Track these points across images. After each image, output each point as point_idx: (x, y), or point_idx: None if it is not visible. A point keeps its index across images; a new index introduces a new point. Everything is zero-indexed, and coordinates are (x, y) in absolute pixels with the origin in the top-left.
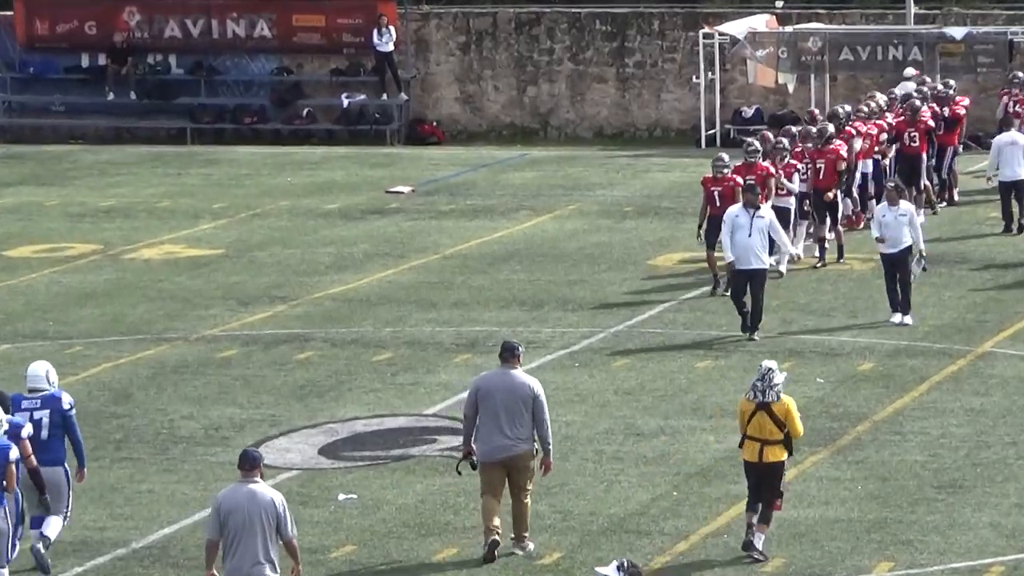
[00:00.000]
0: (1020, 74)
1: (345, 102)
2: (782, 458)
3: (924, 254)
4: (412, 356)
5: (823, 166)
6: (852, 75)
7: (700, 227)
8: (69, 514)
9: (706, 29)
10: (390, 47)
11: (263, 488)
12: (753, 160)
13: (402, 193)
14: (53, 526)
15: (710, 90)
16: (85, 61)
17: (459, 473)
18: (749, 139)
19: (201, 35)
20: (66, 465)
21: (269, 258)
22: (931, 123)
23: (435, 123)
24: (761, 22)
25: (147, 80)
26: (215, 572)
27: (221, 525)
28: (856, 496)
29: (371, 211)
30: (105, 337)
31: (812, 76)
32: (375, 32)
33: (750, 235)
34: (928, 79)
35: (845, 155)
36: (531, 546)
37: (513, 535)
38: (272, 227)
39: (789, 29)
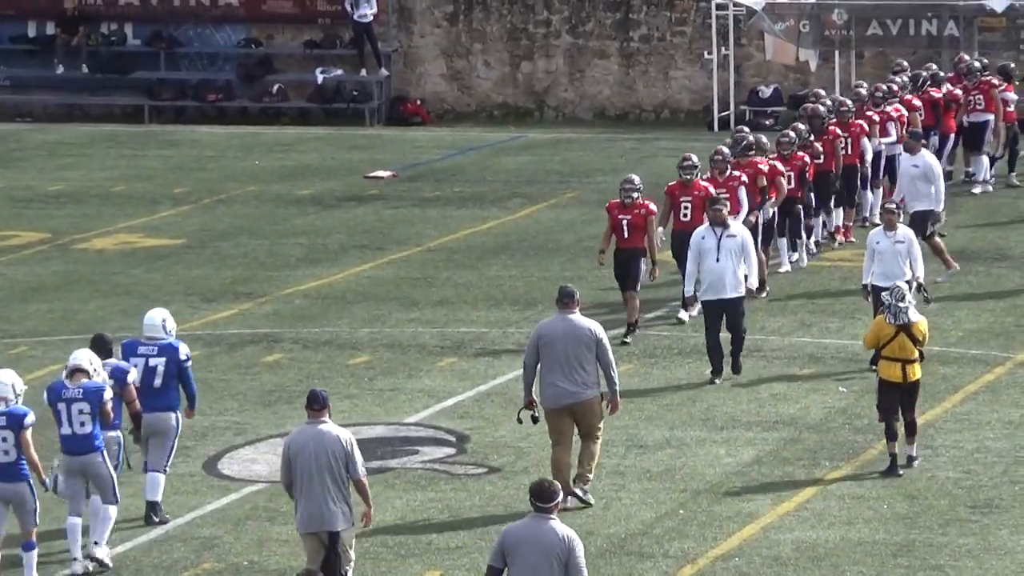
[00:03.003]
0: None
1: (320, 78)
2: (920, 375)
3: (925, 286)
4: (392, 359)
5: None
6: (881, 52)
7: (601, 252)
8: (168, 467)
9: (719, 0)
10: (369, 17)
11: (329, 427)
12: (689, 178)
13: (382, 178)
14: (160, 488)
15: (724, 67)
16: (32, 30)
17: (519, 421)
18: (687, 153)
19: (160, 2)
20: (179, 413)
21: (235, 249)
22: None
23: (419, 102)
24: None
25: (100, 52)
26: None
27: (290, 468)
28: (881, 516)
29: (348, 198)
30: (53, 336)
31: (836, 53)
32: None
33: (718, 259)
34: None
35: (767, 170)
36: (590, 498)
37: (576, 474)
38: (238, 215)
39: (812, 0)
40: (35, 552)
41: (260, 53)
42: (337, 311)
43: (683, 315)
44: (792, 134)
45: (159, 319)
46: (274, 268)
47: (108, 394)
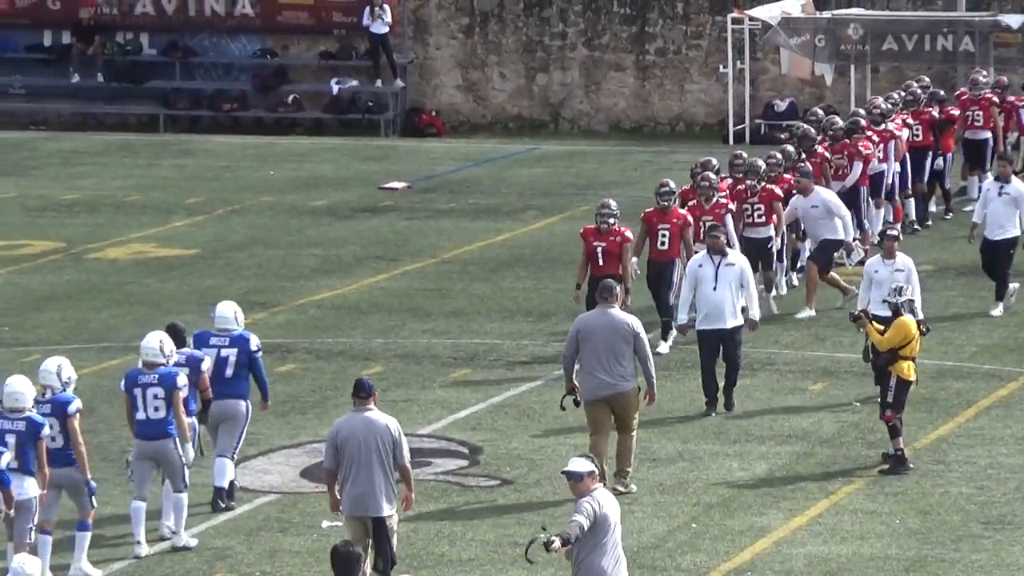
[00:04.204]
0: None
1: (335, 88)
2: None
3: (922, 318)
4: (405, 370)
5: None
6: (896, 66)
7: (578, 287)
8: (237, 452)
9: (735, 13)
10: (385, 28)
11: (378, 415)
12: (666, 204)
13: (396, 190)
14: (228, 474)
15: (739, 81)
16: (48, 39)
17: (563, 408)
18: (664, 179)
19: (176, 12)
20: (248, 401)
21: (248, 260)
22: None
23: (434, 113)
24: (796, 6)
25: (116, 61)
26: (338, 495)
27: (338, 453)
28: (894, 531)
29: (362, 209)
30: (66, 344)
31: (852, 67)
32: (367, 11)
33: (716, 288)
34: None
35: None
36: (633, 487)
37: (616, 470)
38: (252, 225)
39: (827, 15)
40: (88, 534)
41: (275, 63)
42: (351, 322)
43: (661, 348)
44: (779, 155)
45: (231, 311)
46: (288, 278)
47: (182, 380)
